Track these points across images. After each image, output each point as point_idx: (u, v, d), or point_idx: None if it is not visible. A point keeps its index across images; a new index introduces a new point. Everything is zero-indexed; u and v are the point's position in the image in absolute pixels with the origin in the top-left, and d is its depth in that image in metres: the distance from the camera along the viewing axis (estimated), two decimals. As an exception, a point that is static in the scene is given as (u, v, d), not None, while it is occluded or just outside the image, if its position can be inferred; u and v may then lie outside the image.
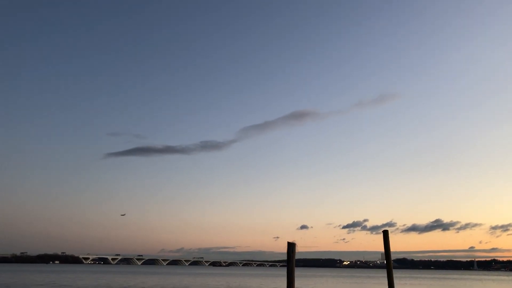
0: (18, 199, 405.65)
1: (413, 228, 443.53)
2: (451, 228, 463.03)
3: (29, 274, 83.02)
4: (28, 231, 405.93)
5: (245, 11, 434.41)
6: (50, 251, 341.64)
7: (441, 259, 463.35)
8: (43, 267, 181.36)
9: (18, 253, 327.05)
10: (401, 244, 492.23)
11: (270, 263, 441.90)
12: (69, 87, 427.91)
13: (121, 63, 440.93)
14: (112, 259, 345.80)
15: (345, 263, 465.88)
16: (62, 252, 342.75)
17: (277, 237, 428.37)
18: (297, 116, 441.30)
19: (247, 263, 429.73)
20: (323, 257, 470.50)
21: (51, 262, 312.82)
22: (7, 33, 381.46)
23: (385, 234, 21.28)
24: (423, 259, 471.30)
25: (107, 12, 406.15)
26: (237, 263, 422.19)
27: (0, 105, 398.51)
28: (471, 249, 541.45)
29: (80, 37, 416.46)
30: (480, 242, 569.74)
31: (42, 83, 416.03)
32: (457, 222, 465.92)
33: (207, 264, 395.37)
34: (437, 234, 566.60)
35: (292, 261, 16.08)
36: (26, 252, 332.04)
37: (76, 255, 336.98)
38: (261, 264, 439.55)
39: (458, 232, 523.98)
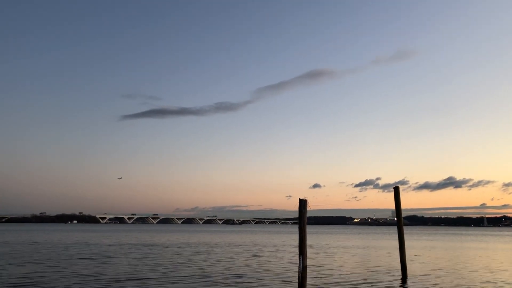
0: (36, 161, 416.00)
1: (425, 186, 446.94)
2: (463, 185, 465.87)
3: (56, 234, 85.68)
4: (47, 192, 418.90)
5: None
6: (68, 211, 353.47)
7: (452, 216, 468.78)
8: (62, 226, 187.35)
9: (37, 213, 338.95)
10: (412, 202, 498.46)
11: (282, 221, 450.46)
12: (83, 48, 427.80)
13: (136, 25, 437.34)
14: (128, 218, 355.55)
15: (355, 220, 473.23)
16: (79, 212, 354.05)
17: (290, 196, 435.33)
18: (313, 75, 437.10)
19: (259, 221, 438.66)
20: (334, 215, 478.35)
21: (69, 222, 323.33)
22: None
23: (396, 190, 21.58)
24: (433, 216, 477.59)
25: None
26: (249, 221, 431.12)
27: (16, 71, 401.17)
28: (483, 206, 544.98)
29: (94, 1, 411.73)
30: (492, 199, 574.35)
31: (57, 45, 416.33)
32: (470, 180, 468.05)
33: (220, 222, 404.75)
34: (449, 191, 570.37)
35: (303, 218, 16.44)
36: (45, 212, 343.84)
37: (93, 215, 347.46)
38: (273, 222, 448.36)
39: (470, 189, 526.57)
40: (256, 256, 33.86)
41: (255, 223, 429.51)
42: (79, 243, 49.20)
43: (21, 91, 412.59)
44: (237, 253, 36.35)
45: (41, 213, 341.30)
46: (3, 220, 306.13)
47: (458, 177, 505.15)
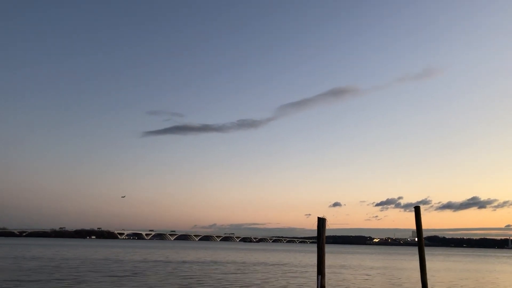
0: (57, 177, 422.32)
1: (448, 206, 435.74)
2: (487, 206, 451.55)
3: (80, 249, 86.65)
4: (66, 208, 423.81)
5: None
6: (87, 226, 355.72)
7: (475, 237, 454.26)
8: (83, 241, 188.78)
9: (57, 228, 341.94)
10: (434, 222, 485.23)
11: (300, 240, 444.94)
12: (110, 65, 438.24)
13: (160, 43, 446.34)
14: (146, 234, 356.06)
15: (375, 240, 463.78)
16: (98, 228, 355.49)
17: (309, 214, 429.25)
18: (336, 92, 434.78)
19: (276, 240, 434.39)
20: (353, 234, 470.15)
21: (88, 237, 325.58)
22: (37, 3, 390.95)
23: (417, 210, 21.20)
24: (455, 236, 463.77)
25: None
26: (267, 239, 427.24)
27: (39, 84, 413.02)
28: (508, 227, 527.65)
29: (117, 16, 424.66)
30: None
31: (83, 61, 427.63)
32: (495, 200, 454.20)
33: (237, 240, 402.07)
34: (472, 212, 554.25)
35: (322, 236, 16.25)
36: (65, 227, 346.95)
37: (111, 230, 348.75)
38: (291, 240, 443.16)
39: (495, 210, 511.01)
40: (290, 276, 33.48)
41: (272, 242, 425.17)
42: (107, 259, 49.55)
43: (43, 106, 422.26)
44: (269, 273, 35.98)
45: (60, 228, 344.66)
46: (24, 234, 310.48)
47: (483, 197, 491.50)
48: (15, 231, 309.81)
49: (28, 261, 42.13)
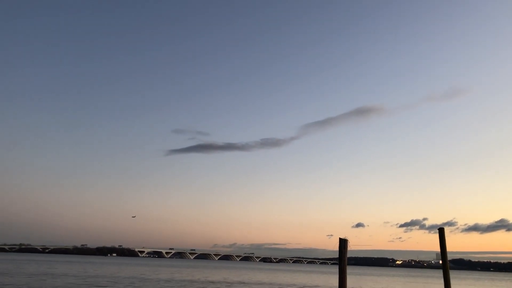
0: (80, 194, 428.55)
1: (475, 228, 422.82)
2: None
3: (106, 267, 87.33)
4: (88, 225, 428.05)
5: (305, 3, 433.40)
6: (108, 244, 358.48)
7: (502, 261, 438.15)
8: (105, 259, 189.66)
9: (79, 245, 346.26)
10: (460, 244, 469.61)
11: (321, 261, 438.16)
12: (135, 84, 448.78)
13: (184, 61, 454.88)
14: (166, 252, 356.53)
15: (398, 262, 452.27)
16: (119, 245, 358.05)
17: (331, 235, 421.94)
18: (361, 112, 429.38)
19: (297, 260, 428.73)
20: (375, 256, 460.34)
21: (109, 255, 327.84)
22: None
23: (441, 232, 21.05)
24: (482, 260, 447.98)
25: (172, 10, 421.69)
26: (287, 259, 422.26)
27: (66, 101, 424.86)
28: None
29: (142, 35, 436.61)
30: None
31: (108, 80, 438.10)
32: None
33: (257, 260, 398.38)
34: (500, 234, 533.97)
35: (344, 258, 16.29)
36: (86, 245, 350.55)
37: (132, 248, 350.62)
38: (311, 261, 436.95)
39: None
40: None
41: (293, 262, 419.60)
42: (134, 278, 50.32)
43: (68, 124, 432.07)
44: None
45: (82, 245, 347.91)
46: (47, 250, 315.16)
47: (511, 219, 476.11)
48: (38, 248, 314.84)
49: (56, 278, 42.99)
